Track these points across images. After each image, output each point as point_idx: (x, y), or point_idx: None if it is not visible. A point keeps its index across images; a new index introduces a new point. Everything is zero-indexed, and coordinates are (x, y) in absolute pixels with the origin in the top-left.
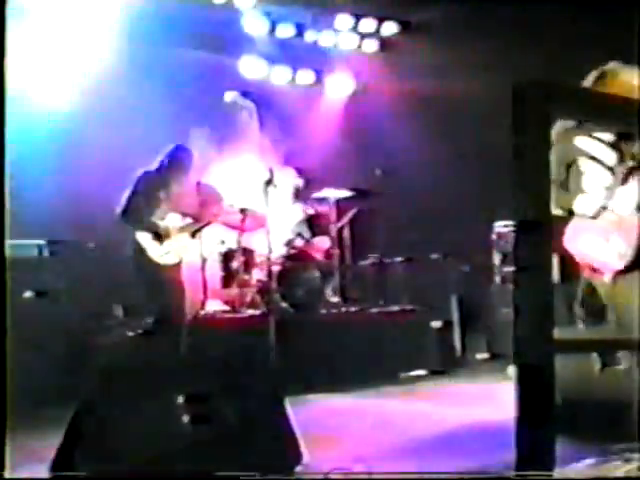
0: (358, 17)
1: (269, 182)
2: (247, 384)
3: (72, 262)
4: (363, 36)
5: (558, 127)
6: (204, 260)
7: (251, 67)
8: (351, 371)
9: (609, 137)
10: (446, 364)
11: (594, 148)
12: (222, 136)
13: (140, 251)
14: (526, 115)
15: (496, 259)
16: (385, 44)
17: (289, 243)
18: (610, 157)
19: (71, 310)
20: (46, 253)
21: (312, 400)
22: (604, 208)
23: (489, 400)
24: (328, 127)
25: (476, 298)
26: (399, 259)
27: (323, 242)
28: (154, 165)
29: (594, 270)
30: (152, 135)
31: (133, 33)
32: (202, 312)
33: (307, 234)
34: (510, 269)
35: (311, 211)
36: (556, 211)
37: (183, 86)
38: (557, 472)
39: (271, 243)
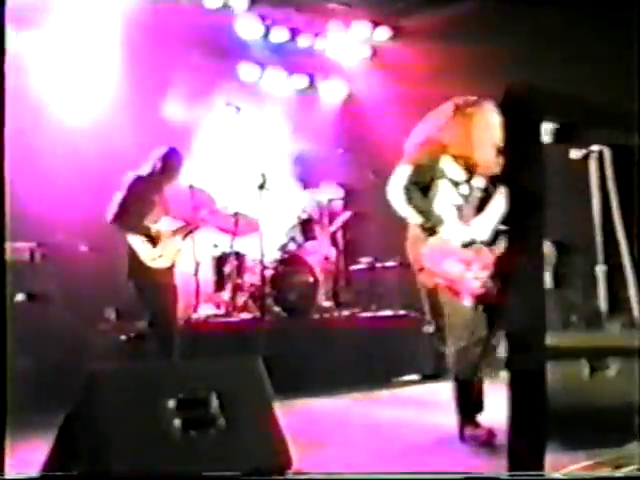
0: (351, 22)
1: (262, 186)
2: (238, 388)
3: (64, 265)
4: (356, 41)
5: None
6: (197, 264)
7: (244, 71)
8: (343, 375)
9: (466, 168)
10: (439, 369)
11: (453, 172)
12: (215, 139)
13: (132, 254)
14: (518, 120)
15: None
16: (377, 49)
17: (282, 247)
18: (464, 185)
19: (63, 313)
20: (38, 256)
21: (303, 404)
22: (472, 242)
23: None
24: (321, 131)
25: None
26: (392, 263)
27: (316, 246)
28: (146, 169)
29: (456, 293)
30: (145, 139)
31: (126, 36)
32: (195, 316)
33: (300, 238)
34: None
35: (304, 215)
36: (417, 217)
37: (177, 90)
38: (548, 473)
39: (264, 247)
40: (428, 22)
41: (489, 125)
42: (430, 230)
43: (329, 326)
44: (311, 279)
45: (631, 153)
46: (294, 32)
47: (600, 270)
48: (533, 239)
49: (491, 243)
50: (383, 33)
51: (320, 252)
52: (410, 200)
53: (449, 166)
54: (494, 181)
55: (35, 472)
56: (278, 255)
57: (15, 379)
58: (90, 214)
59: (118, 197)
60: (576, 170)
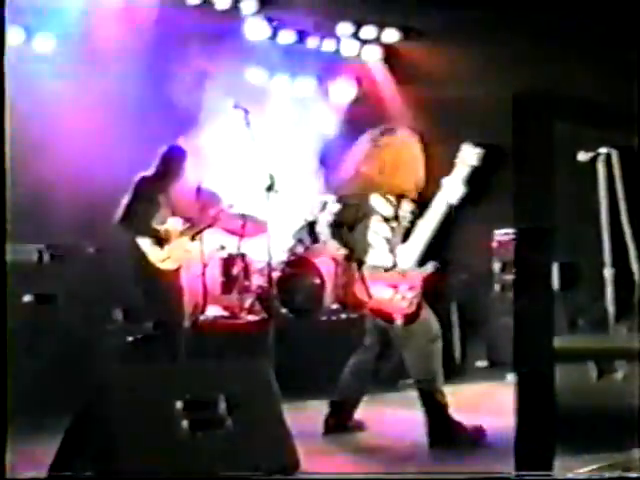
0: (359, 24)
1: (270, 188)
2: (245, 390)
3: (72, 266)
4: (364, 42)
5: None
6: (204, 266)
7: (253, 73)
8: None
9: (394, 199)
10: (446, 372)
11: (383, 208)
12: (223, 141)
13: (141, 256)
14: (526, 124)
15: (496, 267)
16: (386, 51)
17: (289, 249)
18: (393, 219)
19: (71, 314)
20: (46, 257)
21: (310, 407)
22: (394, 266)
23: (489, 408)
24: (329, 133)
25: (476, 306)
26: None
27: (324, 248)
28: (151, 169)
29: (387, 315)
30: (151, 140)
31: (133, 38)
32: (202, 317)
33: (307, 240)
34: (510, 277)
35: (311, 217)
36: (343, 250)
37: (183, 91)
38: (555, 474)
39: (271, 249)
40: (438, 24)
41: (406, 152)
42: (357, 260)
43: (336, 328)
44: (318, 281)
45: (639, 155)
46: (302, 34)
47: (608, 273)
48: (542, 242)
49: (420, 265)
50: (393, 34)
51: (327, 254)
52: (335, 235)
53: (379, 203)
54: (421, 205)
55: (43, 473)
56: (285, 257)
57: (23, 380)
58: (98, 215)
59: (125, 199)
60: (584, 173)
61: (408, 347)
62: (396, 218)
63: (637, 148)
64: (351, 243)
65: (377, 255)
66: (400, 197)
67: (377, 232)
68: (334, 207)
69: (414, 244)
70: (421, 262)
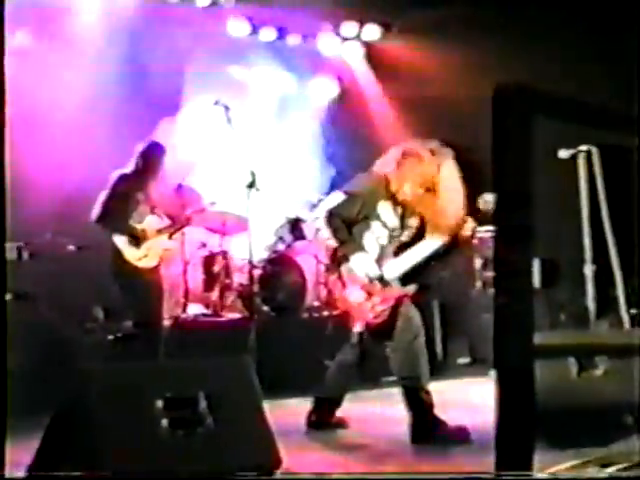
0: (340, 21)
1: (251, 185)
2: (226, 388)
3: (52, 264)
4: (345, 39)
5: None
6: (185, 263)
7: (234, 70)
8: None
9: (401, 211)
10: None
11: (388, 216)
12: (203, 138)
13: (117, 254)
14: (507, 118)
15: (477, 264)
16: (367, 48)
17: (271, 247)
18: (396, 228)
19: (51, 313)
20: (25, 255)
21: (292, 404)
22: (379, 279)
23: (471, 404)
24: (313, 130)
25: (457, 303)
26: None
27: (305, 246)
28: (129, 166)
29: (351, 317)
30: (131, 136)
31: (116, 35)
32: (183, 315)
33: (289, 238)
34: (491, 274)
35: (293, 215)
36: (333, 241)
37: (163, 87)
38: (536, 473)
39: (253, 247)
40: (419, 21)
41: (441, 175)
42: (343, 256)
43: (318, 325)
44: (299, 279)
45: (619, 153)
46: (284, 31)
47: (588, 269)
48: (521, 238)
49: (403, 283)
50: (374, 32)
51: (309, 252)
52: (330, 224)
53: (385, 210)
54: (427, 227)
55: (22, 472)
56: (267, 255)
57: (0, 379)
58: (78, 213)
59: (102, 196)
60: (564, 170)
61: (391, 344)
62: (399, 229)
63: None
64: (343, 237)
65: (364, 259)
66: (412, 210)
67: (375, 237)
68: (339, 197)
69: (404, 261)
70: (403, 279)
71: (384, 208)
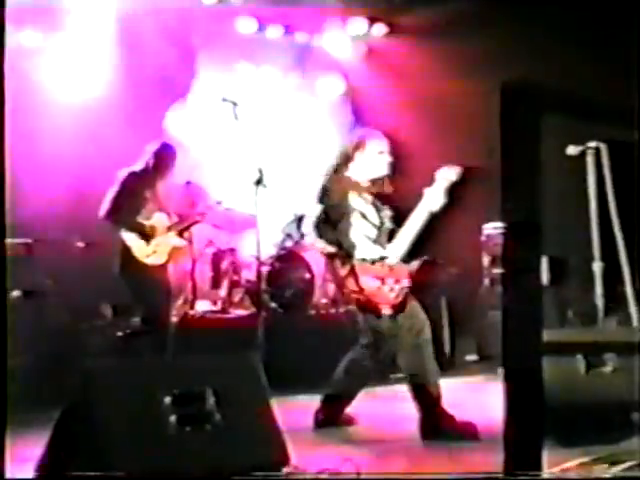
0: (347, 19)
1: (259, 182)
2: (234, 384)
3: (60, 262)
4: (352, 37)
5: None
6: (193, 260)
7: (241, 66)
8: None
9: (373, 200)
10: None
11: (362, 206)
12: (212, 135)
13: (125, 251)
14: (515, 116)
15: (485, 261)
16: (374, 46)
17: (279, 244)
18: (375, 217)
19: (59, 310)
20: (34, 252)
21: (300, 401)
22: (382, 258)
23: (478, 401)
24: (319, 128)
25: (465, 300)
26: None
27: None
28: (139, 164)
29: (374, 306)
30: (139, 134)
31: (122, 32)
32: (191, 312)
33: (296, 235)
34: (499, 271)
35: (301, 212)
36: (330, 247)
37: (171, 85)
38: (545, 472)
39: (260, 243)
40: (425, 19)
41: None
42: (345, 257)
43: (325, 322)
44: (307, 275)
45: (628, 149)
46: (290, 28)
47: (597, 267)
48: (531, 236)
49: (406, 261)
50: (380, 29)
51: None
52: (321, 235)
53: (357, 202)
54: (402, 212)
55: (31, 470)
56: (274, 251)
57: (9, 376)
58: (86, 210)
59: (111, 193)
60: (573, 166)
61: (398, 341)
62: (380, 219)
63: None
64: (337, 241)
65: (363, 249)
66: (380, 201)
67: (359, 229)
68: (316, 208)
69: (398, 244)
70: (406, 260)
71: (355, 200)
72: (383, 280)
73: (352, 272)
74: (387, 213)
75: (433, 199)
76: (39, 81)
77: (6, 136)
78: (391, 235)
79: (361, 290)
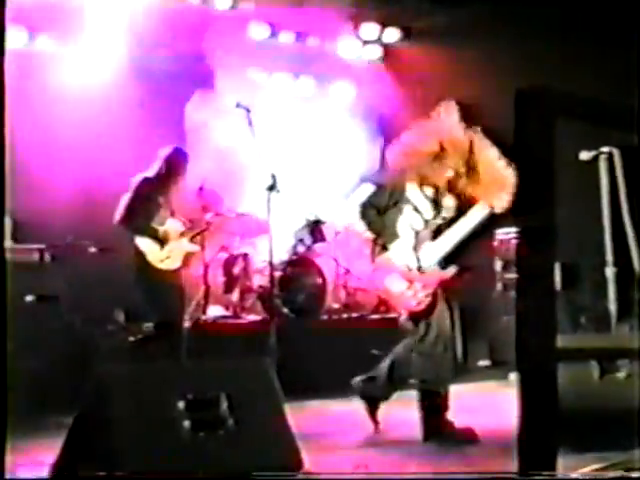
0: (360, 24)
1: (272, 187)
2: (248, 389)
3: (73, 267)
4: (365, 42)
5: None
6: (206, 266)
7: (254, 72)
8: (352, 377)
9: (431, 193)
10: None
11: (418, 199)
12: (224, 141)
13: (139, 256)
14: (529, 121)
15: (498, 266)
16: (387, 50)
17: (291, 249)
18: (428, 211)
19: (72, 315)
20: (47, 257)
21: (312, 406)
22: (419, 268)
23: (491, 407)
24: (331, 133)
25: (478, 305)
26: None
27: (325, 248)
28: (152, 170)
29: (390, 306)
30: (153, 139)
31: (133, 38)
32: (203, 317)
33: (309, 240)
34: (512, 276)
35: (313, 217)
36: (369, 233)
37: (183, 91)
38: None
39: (273, 248)
40: (438, 23)
41: (475, 150)
42: (381, 246)
43: (338, 327)
44: (320, 281)
45: None
46: (303, 34)
47: (610, 272)
48: (543, 241)
49: (443, 266)
50: (393, 34)
51: (329, 254)
52: (364, 216)
53: (415, 195)
54: (465, 206)
55: (45, 473)
56: (287, 256)
57: (24, 380)
58: (100, 216)
59: (125, 199)
60: (586, 171)
61: (414, 347)
62: (432, 212)
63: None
64: (378, 228)
65: (401, 247)
66: (441, 191)
67: (409, 222)
68: (368, 188)
69: (442, 244)
70: (443, 263)
71: (413, 192)
72: (411, 283)
73: (382, 267)
74: (449, 203)
75: (477, 217)
76: (57, 88)
77: (6, 136)
78: (439, 231)
79: (385, 289)
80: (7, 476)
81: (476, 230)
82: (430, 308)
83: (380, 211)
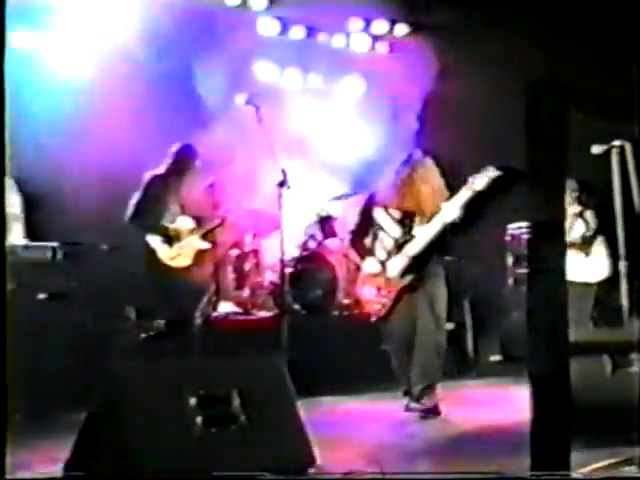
0: (370, 19)
1: (282, 184)
2: (260, 386)
3: (85, 264)
4: (375, 38)
5: None
6: (216, 262)
7: (264, 69)
8: (364, 373)
9: (397, 214)
10: (459, 366)
11: (385, 222)
12: (234, 138)
13: (150, 253)
14: (540, 114)
15: (509, 261)
16: (396, 46)
17: (302, 245)
18: (395, 230)
19: (84, 312)
20: (60, 255)
21: (325, 402)
22: (381, 274)
23: (503, 402)
24: (340, 129)
25: (489, 300)
26: None
27: (336, 243)
28: (162, 167)
29: (365, 315)
30: (163, 137)
31: (143, 34)
32: (214, 314)
33: (320, 236)
34: (523, 271)
35: (324, 213)
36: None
37: (194, 87)
38: (571, 473)
39: (284, 245)
40: (447, 19)
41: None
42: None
43: (349, 323)
44: (331, 276)
45: None
46: (312, 30)
47: (622, 266)
48: (555, 235)
49: (402, 276)
50: (402, 29)
51: (340, 249)
52: (353, 245)
53: (382, 218)
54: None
55: (58, 470)
56: (298, 253)
57: (36, 378)
58: (112, 213)
59: (135, 197)
60: (598, 165)
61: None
62: (401, 235)
63: None
64: (364, 251)
65: (370, 263)
66: (411, 216)
67: (383, 245)
68: (353, 219)
69: (403, 256)
70: (403, 273)
71: (380, 215)
72: (379, 290)
73: (359, 280)
74: (412, 227)
75: (449, 212)
76: (65, 82)
77: (6, 136)
78: (401, 247)
79: (358, 296)
80: (7, 476)
81: (432, 242)
82: (389, 313)
83: (363, 237)
